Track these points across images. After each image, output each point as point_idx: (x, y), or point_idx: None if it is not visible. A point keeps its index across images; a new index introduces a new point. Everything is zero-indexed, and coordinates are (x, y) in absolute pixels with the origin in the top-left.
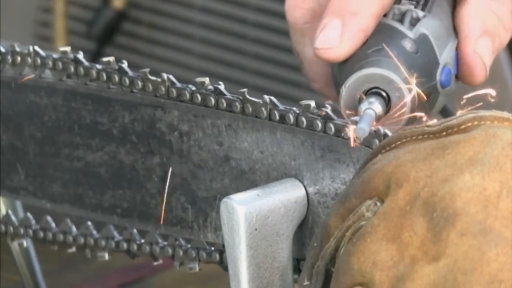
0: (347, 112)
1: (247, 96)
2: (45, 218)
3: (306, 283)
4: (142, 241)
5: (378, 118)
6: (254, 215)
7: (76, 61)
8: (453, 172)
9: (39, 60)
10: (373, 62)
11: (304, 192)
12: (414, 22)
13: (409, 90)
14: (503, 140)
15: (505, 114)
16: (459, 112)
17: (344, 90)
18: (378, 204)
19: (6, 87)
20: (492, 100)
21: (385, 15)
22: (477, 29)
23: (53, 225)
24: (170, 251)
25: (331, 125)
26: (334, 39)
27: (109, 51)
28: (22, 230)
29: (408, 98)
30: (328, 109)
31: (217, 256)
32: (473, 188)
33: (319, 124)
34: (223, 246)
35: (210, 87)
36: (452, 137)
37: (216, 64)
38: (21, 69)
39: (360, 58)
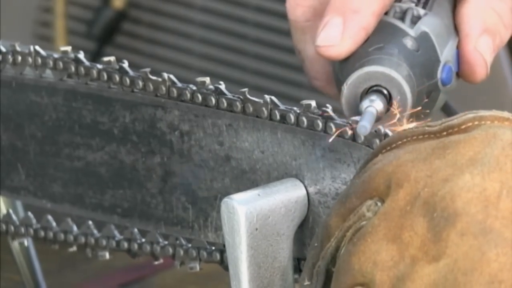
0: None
1: (248, 96)
2: (45, 218)
3: (306, 283)
4: (143, 240)
5: (379, 116)
6: (254, 215)
7: (77, 61)
8: (453, 172)
9: (39, 60)
10: (374, 60)
11: (304, 192)
12: (415, 20)
13: (410, 87)
14: (503, 140)
15: (505, 114)
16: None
17: (346, 87)
18: (379, 204)
19: (7, 87)
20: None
21: (386, 13)
22: (478, 27)
23: (54, 224)
24: (170, 250)
25: (332, 125)
26: (336, 37)
27: (109, 51)
28: (22, 230)
29: (409, 96)
30: (329, 109)
31: (218, 256)
32: (474, 188)
33: (320, 124)
34: (224, 245)
35: (211, 86)
36: (452, 137)
37: (216, 64)
38: (22, 69)
39: (361, 56)
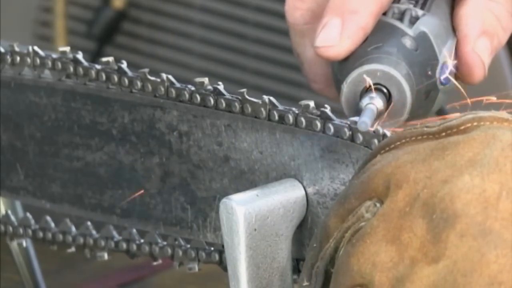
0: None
1: (246, 96)
2: (44, 218)
3: (305, 283)
4: (142, 241)
5: (379, 114)
6: (253, 216)
7: (75, 61)
8: (452, 173)
9: (38, 60)
10: (373, 58)
11: (303, 192)
12: (414, 20)
13: (410, 86)
14: (503, 141)
15: (505, 114)
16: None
17: (345, 86)
18: (378, 205)
19: (6, 87)
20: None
21: (384, 14)
22: (476, 29)
23: (53, 225)
24: (169, 251)
25: (330, 126)
26: (334, 37)
27: (109, 51)
28: (21, 230)
29: (408, 94)
30: (327, 109)
31: (217, 256)
32: (473, 190)
33: (318, 124)
34: (223, 246)
35: (209, 87)
36: (451, 138)
37: (216, 64)
38: (21, 69)
39: (360, 55)
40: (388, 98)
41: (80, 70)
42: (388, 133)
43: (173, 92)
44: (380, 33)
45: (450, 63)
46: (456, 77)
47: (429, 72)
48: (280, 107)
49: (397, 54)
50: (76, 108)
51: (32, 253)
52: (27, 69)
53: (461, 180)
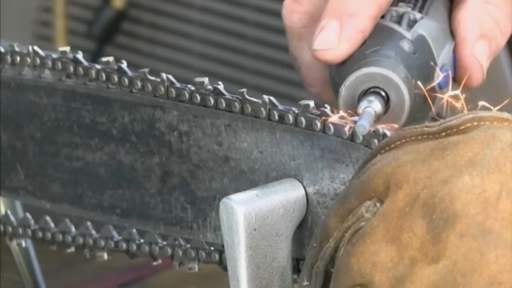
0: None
1: (246, 96)
2: (44, 218)
3: (305, 283)
4: (142, 241)
5: (377, 117)
6: (253, 215)
7: (75, 61)
8: (452, 173)
9: (38, 60)
10: (371, 61)
11: (303, 192)
12: (412, 23)
13: (408, 89)
14: (503, 141)
15: (505, 114)
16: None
17: (344, 89)
18: (378, 205)
19: (6, 87)
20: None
21: (382, 17)
22: (474, 32)
23: (52, 225)
24: (169, 251)
25: (330, 125)
26: (332, 40)
27: (109, 51)
28: (21, 230)
29: (407, 97)
30: (327, 110)
31: (217, 256)
32: (473, 190)
33: (318, 124)
34: (223, 246)
35: (209, 87)
36: (451, 138)
37: (216, 64)
38: (21, 69)
39: (358, 58)
40: (386, 101)
41: (80, 70)
42: (388, 133)
43: (173, 92)
44: (378, 36)
45: (448, 67)
46: (454, 80)
47: (427, 76)
48: (280, 107)
49: (395, 57)
50: (76, 108)
51: (32, 253)
52: (27, 69)
53: (461, 180)
